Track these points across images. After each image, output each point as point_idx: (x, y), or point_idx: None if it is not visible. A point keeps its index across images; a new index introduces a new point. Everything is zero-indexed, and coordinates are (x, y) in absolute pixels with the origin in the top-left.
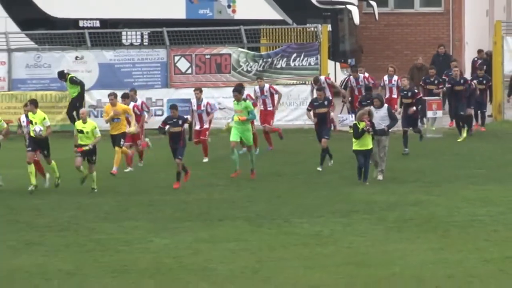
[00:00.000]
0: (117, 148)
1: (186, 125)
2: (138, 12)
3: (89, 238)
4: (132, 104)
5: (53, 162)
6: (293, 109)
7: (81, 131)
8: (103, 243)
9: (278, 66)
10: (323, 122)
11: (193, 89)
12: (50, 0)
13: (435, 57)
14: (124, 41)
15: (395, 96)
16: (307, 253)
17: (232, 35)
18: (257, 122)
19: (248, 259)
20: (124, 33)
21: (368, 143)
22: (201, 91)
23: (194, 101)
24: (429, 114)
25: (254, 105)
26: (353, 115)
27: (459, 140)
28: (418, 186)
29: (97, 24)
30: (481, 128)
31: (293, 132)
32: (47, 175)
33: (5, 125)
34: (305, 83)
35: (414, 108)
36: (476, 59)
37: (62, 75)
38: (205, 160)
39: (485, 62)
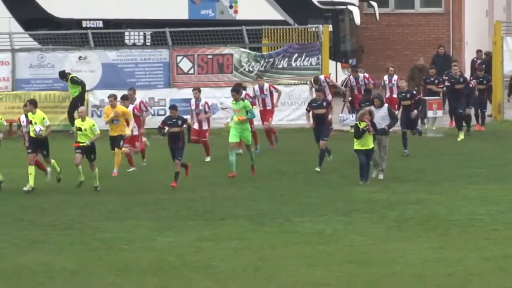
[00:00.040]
0: (116, 150)
1: (185, 125)
2: (141, 12)
3: (93, 237)
4: (131, 106)
5: (52, 160)
6: (294, 109)
7: (79, 129)
8: (107, 241)
9: (280, 66)
10: (322, 123)
11: (192, 88)
12: (54, 0)
13: (435, 58)
14: (127, 41)
15: (395, 95)
16: (309, 252)
17: (234, 36)
18: (257, 122)
19: (250, 257)
20: (127, 33)
21: (369, 143)
22: (199, 91)
23: (192, 101)
24: (430, 114)
25: (253, 104)
26: (354, 115)
27: (458, 139)
28: (418, 185)
29: (100, 24)
30: (481, 127)
31: (294, 132)
32: (48, 169)
33: (5, 123)
34: (306, 83)
35: (416, 111)
36: (475, 59)
37: (63, 74)
38: (207, 159)
39: (485, 62)
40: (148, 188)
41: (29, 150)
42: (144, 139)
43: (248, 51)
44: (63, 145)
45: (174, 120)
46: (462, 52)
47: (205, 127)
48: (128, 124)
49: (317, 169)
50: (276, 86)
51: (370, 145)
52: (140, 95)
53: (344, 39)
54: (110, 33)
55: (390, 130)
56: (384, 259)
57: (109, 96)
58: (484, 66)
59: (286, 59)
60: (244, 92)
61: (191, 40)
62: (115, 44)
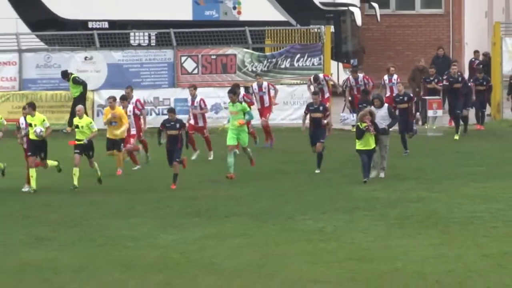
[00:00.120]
0: (117, 152)
1: (183, 130)
2: (146, 13)
3: (99, 234)
4: (131, 106)
5: (47, 162)
6: (296, 109)
7: (76, 126)
8: (112, 238)
9: (282, 66)
10: (318, 125)
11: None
12: (60, 2)
13: (435, 59)
14: (132, 42)
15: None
16: (311, 249)
17: (237, 36)
18: (257, 122)
19: (253, 255)
20: (132, 34)
21: (371, 143)
22: (195, 88)
23: (189, 98)
24: (430, 113)
25: (251, 104)
26: (354, 115)
27: (455, 138)
28: (419, 184)
29: (106, 25)
30: (481, 127)
31: (296, 131)
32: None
33: (5, 123)
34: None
35: (418, 113)
36: (473, 59)
37: (65, 74)
38: (211, 157)
39: (483, 63)
40: (152, 187)
41: (29, 153)
42: (140, 148)
43: (251, 51)
44: (67, 144)
45: (172, 123)
46: (462, 52)
47: (201, 123)
48: (127, 126)
49: (317, 171)
50: (275, 85)
51: (372, 145)
52: (145, 95)
53: (346, 39)
54: (116, 34)
55: (390, 129)
56: (385, 256)
57: (109, 98)
58: (481, 66)
59: (289, 59)
60: (242, 93)
61: (195, 41)
62: (120, 45)
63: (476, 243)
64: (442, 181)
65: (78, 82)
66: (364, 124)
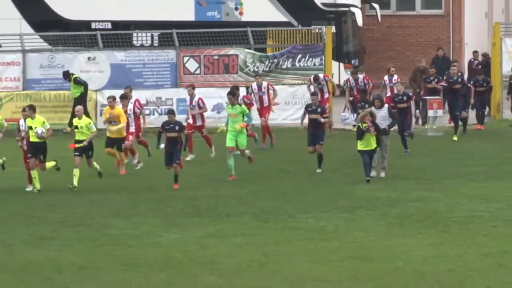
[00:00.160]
0: (118, 152)
1: (183, 133)
2: (149, 14)
3: (101, 233)
4: (131, 105)
5: (45, 164)
6: (298, 109)
7: (76, 127)
8: (114, 238)
9: (284, 66)
10: (317, 127)
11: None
12: (64, 2)
13: (434, 60)
14: (135, 42)
15: None
16: (312, 248)
17: (239, 37)
18: (256, 122)
19: (254, 253)
20: (135, 34)
21: (372, 143)
22: (193, 88)
23: (187, 98)
24: (430, 113)
25: (251, 105)
26: (355, 115)
27: (454, 139)
28: (419, 183)
29: (109, 26)
30: (481, 126)
31: (297, 131)
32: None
33: (6, 124)
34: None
35: (418, 111)
36: (472, 60)
37: (66, 75)
38: (213, 154)
39: (481, 63)
40: (154, 186)
41: (29, 155)
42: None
43: (253, 51)
44: (67, 144)
45: (171, 125)
46: (462, 53)
47: (199, 123)
48: (124, 124)
49: (318, 170)
50: (274, 86)
51: (373, 145)
52: (148, 95)
53: (347, 40)
54: (119, 34)
55: (390, 129)
56: (386, 255)
57: (108, 98)
58: (480, 67)
59: (290, 59)
60: (241, 95)
61: (198, 41)
62: (123, 45)
63: (476, 242)
64: (442, 181)
65: (79, 82)
66: (364, 125)
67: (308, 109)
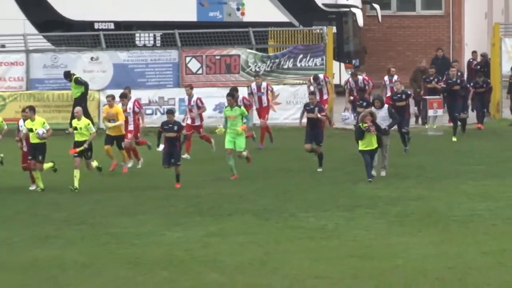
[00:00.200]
0: (119, 150)
1: (181, 133)
2: (151, 14)
3: (104, 232)
4: (131, 104)
5: (43, 165)
6: (299, 108)
7: (75, 128)
8: (117, 236)
9: (285, 66)
10: (314, 126)
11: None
12: (67, 3)
13: (434, 60)
14: (137, 42)
15: None
16: (313, 246)
17: (241, 37)
18: (256, 122)
19: (256, 252)
20: (137, 35)
21: (373, 143)
22: (191, 88)
23: (186, 97)
24: (430, 112)
25: (250, 106)
26: (355, 115)
27: (453, 139)
28: (419, 182)
29: (112, 26)
30: (481, 126)
31: (298, 130)
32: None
33: (6, 126)
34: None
35: (416, 108)
36: (471, 60)
37: (67, 75)
38: (213, 149)
39: (480, 63)
40: (156, 185)
41: (29, 157)
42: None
43: (255, 52)
44: (68, 144)
45: (170, 125)
46: (462, 53)
47: (197, 122)
48: (127, 122)
49: (319, 169)
50: (273, 87)
51: (374, 145)
52: (150, 95)
53: (348, 40)
54: (121, 35)
55: (390, 129)
56: (386, 254)
57: (107, 96)
58: (479, 67)
59: (292, 59)
60: (241, 96)
61: (200, 42)
62: (126, 45)
63: (476, 240)
64: (442, 180)
65: (80, 82)
66: (365, 125)
67: (307, 108)
